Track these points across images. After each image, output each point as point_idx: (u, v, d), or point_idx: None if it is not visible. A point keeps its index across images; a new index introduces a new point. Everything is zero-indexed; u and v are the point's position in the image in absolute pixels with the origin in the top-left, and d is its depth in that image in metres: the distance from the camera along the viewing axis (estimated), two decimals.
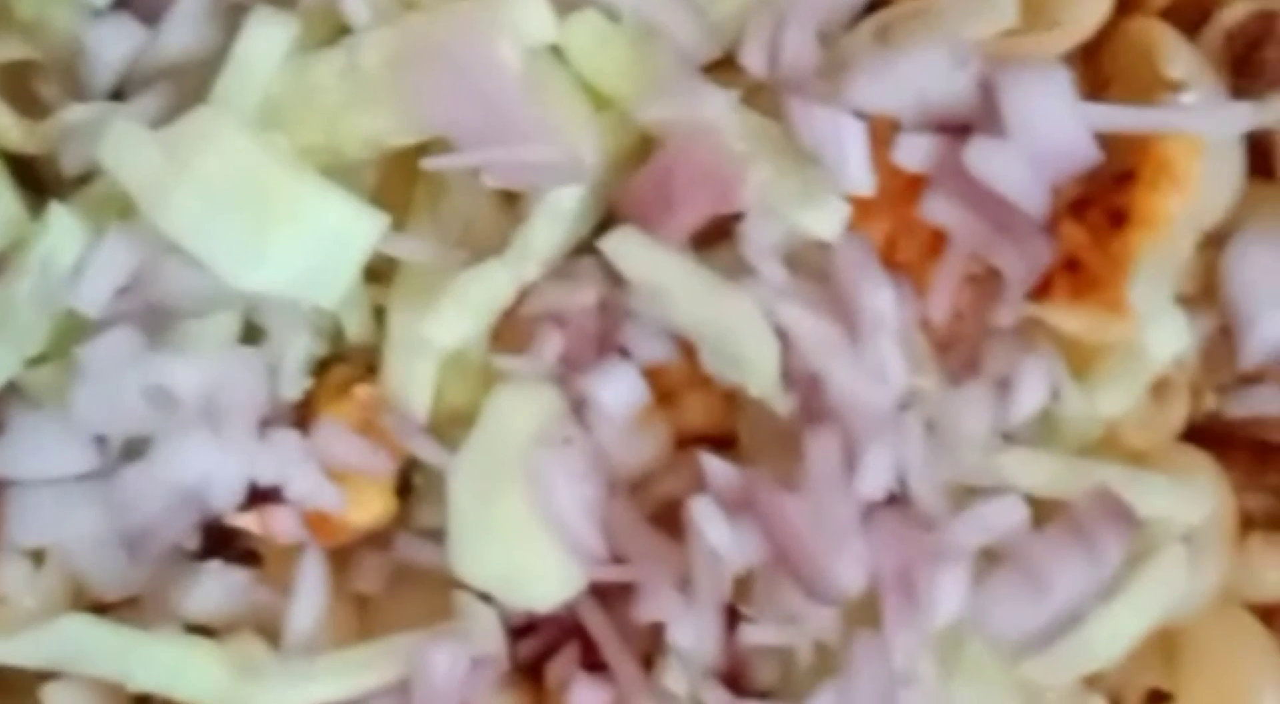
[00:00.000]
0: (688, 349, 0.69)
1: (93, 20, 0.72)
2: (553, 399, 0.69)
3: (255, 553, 0.74)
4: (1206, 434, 0.73)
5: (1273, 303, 0.70)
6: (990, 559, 0.69)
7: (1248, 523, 0.74)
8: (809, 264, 0.68)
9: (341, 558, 0.73)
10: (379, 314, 0.72)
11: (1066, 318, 0.68)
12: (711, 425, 0.71)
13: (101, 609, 0.73)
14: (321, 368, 0.72)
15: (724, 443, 0.71)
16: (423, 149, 0.68)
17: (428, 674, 0.70)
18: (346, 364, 0.73)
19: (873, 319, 0.67)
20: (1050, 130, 0.66)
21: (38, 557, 0.73)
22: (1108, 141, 0.66)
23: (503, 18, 0.66)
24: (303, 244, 0.66)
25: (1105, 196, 0.68)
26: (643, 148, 0.69)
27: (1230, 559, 0.73)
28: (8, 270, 0.70)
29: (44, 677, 0.72)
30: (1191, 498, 0.71)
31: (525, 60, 0.67)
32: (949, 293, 0.68)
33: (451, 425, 0.71)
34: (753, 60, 0.68)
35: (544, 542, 0.69)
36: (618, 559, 0.70)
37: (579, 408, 0.70)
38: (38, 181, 0.73)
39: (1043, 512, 0.69)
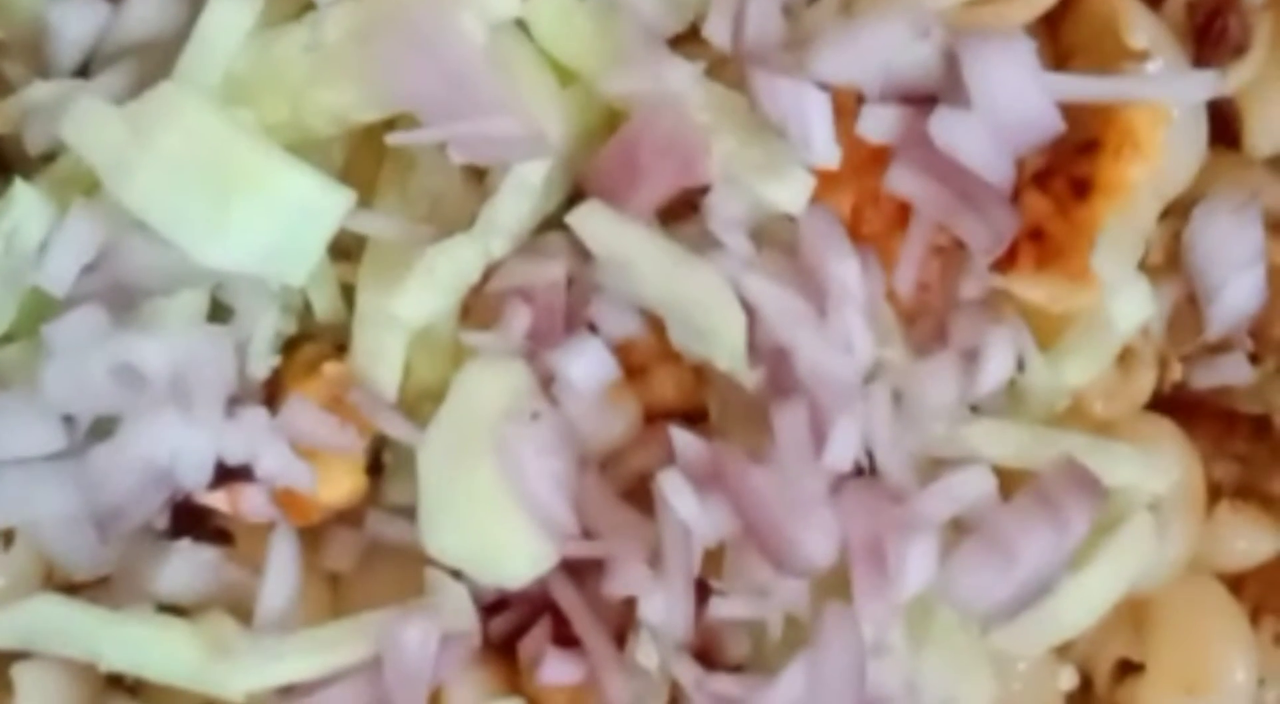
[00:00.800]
0: (656, 324, 0.70)
1: None
2: (522, 375, 0.69)
3: (226, 532, 0.74)
4: (1173, 404, 0.74)
5: (1237, 271, 0.71)
6: (958, 530, 0.69)
7: (1215, 492, 0.75)
8: (775, 237, 0.69)
9: (312, 536, 0.73)
10: (347, 292, 0.72)
11: (1031, 288, 0.68)
12: (681, 400, 0.71)
13: (72, 589, 0.73)
14: (290, 346, 0.72)
15: (693, 417, 0.71)
16: (390, 125, 0.68)
17: (399, 651, 0.69)
18: (315, 342, 0.73)
19: (839, 291, 0.67)
20: (1013, 100, 0.66)
21: (7, 537, 0.73)
22: (1071, 112, 0.67)
23: None
24: (268, 220, 0.66)
25: (1069, 166, 0.68)
26: (609, 122, 0.69)
27: (1198, 528, 0.74)
28: None
29: (15, 656, 0.72)
30: (1158, 467, 0.71)
31: (490, 35, 0.67)
32: (915, 264, 0.68)
33: (421, 402, 0.71)
34: (717, 33, 0.68)
35: (514, 518, 0.69)
36: (588, 534, 0.70)
37: (548, 383, 0.70)
38: (2, 160, 0.73)
39: (1010, 482, 0.69)
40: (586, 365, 0.69)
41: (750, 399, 0.69)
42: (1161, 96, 0.68)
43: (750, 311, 0.68)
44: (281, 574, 0.72)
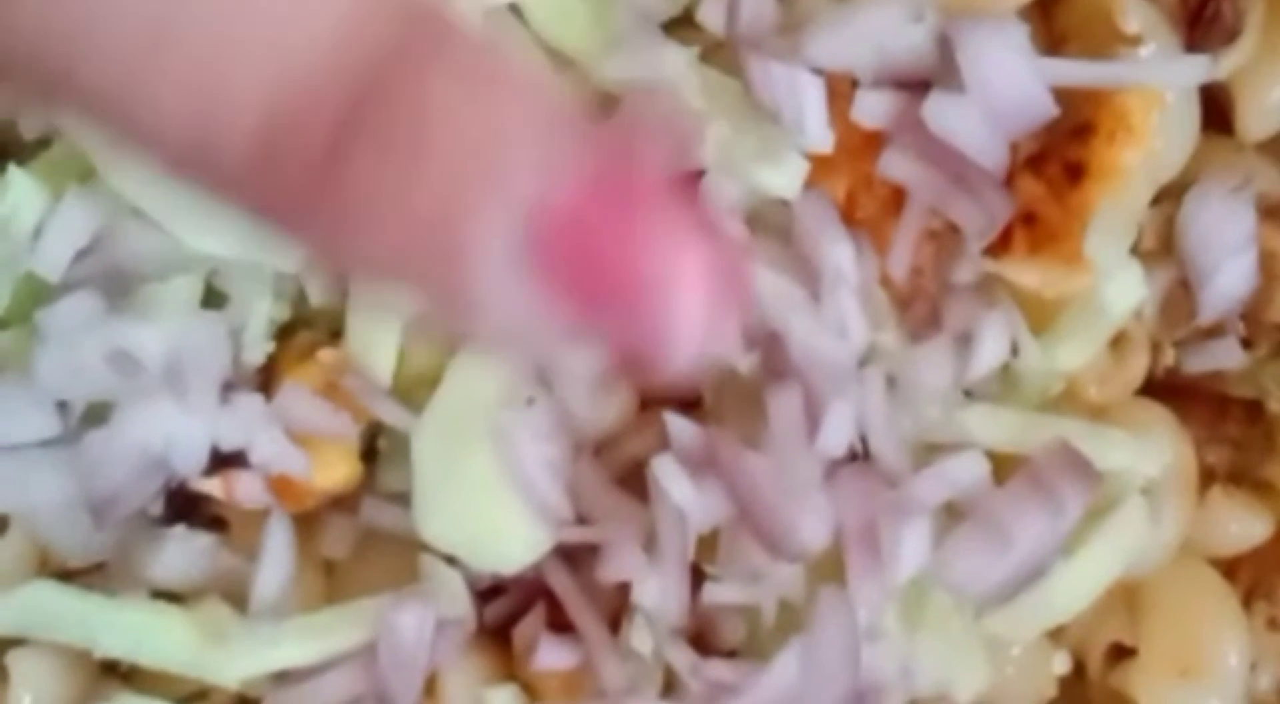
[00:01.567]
0: None
1: None
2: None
3: (220, 518, 0.74)
4: (1166, 388, 0.74)
5: (1229, 256, 0.71)
6: (952, 514, 0.70)
7: (1208, 476, 0.75)
8: (769, 222, 0.69)
9: (307, 523, 0.73)
10: (341, 278, 0.72)
11: (1025, 272, 0.68)
12: (675, 385, 0.72)
13: (67, 575, 0.73)
14: (284, 333, 0.72)
15: (688, 403, 0.71)
16: None
17: (394, 637, 0.69)
18: (310, 329, 0.73)
19: (833, 276, 0.68)
20: (1007, 85, 0.66)
21: (1, 524, 0.73)
22: (1064, 96, 0.67)
23: None
24: None
25: (1062, 151, 0.68)
26: (604, 108, 0.69)
27: (1191, 512, 0.74)
28: None
29: (10, 643, 0.72)
30: (1151, 451, 0.71)
31: (484, 20, 0.67)
32: (909, 249, 0.69)
33: (416, 388, 0.71)
34: (711, 18, 0.68)
35: (509, 503, 0.69)
36: (582, 520, 0.70)
37: (543, 369, 0.70)
38: None
39: (1003, 467, 0.70)
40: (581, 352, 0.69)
41: (744, 384, 0.69)
42: (1155, 81, 0.68)
43: None
44: (276, 560, 0.72)
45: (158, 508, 0.72)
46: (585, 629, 0.70)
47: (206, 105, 0.44)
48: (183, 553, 0.72)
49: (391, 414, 0.70)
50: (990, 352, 0.69)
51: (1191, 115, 0.71)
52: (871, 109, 0.68)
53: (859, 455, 0.69)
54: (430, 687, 0.71)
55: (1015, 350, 0.70)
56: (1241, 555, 0.76)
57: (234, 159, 0.44)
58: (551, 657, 0.70)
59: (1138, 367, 0.72)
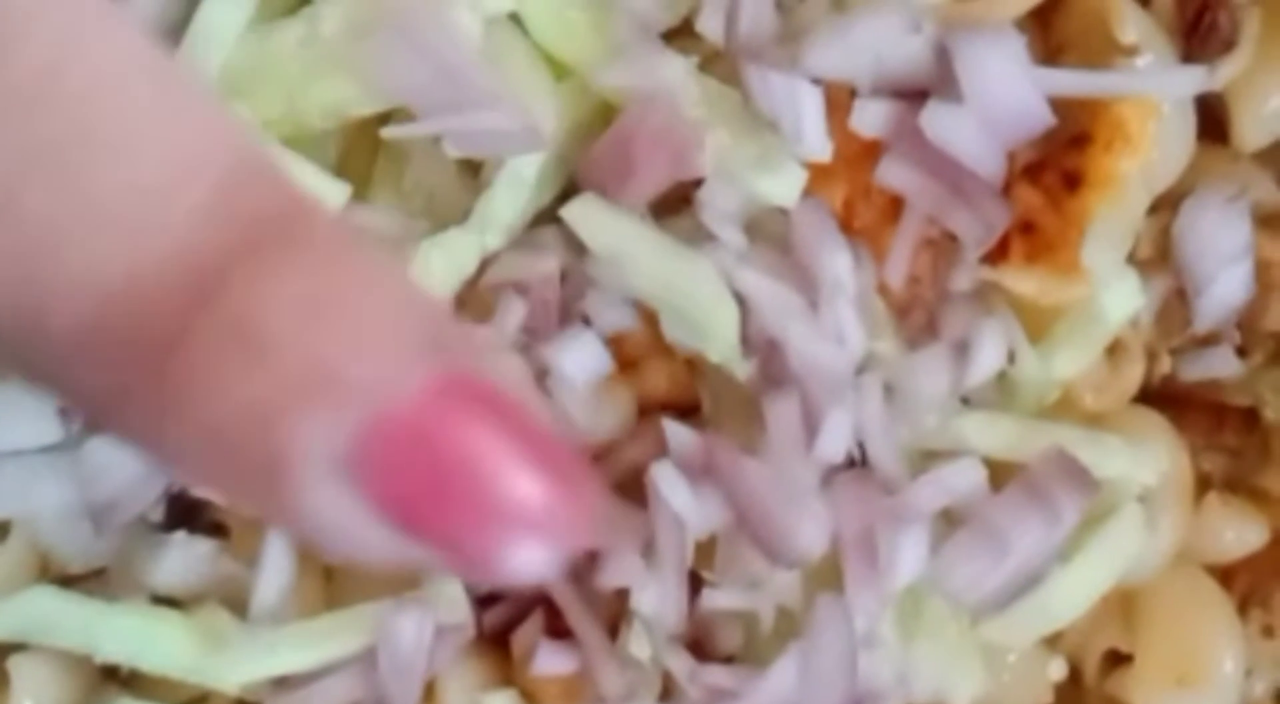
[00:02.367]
0: (649, 317, 0.70)
1: None
2: (516, 368, 0.70)
3: (221, 524, 0.74)
4: (1162, 396, 0.74)
5: (1225, 265, 0.71)
6: (949, 521, 0.70)
7: (1204, 484, 0.75)
8: (768, 230, 0.69)
9: None
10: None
11: (1022, 280, 0.68)
12: (673, 393, 0.72)
13: (67, 581, 0.73)
14: None
15: (686, 410, 0.72)
16: (384, 119, 0.69)
17: (394, 643, 0.70)
18: None
19: (831, 284, 0.68)
20: (1004, 94, 0.66)
21: (2, 529, 0.73)
22: (1062, 106, 0.67)
23: None
24: None
25: (1059, 160, 0.68)
26: (603, 116, 0.69)
27: (1187, 520, 0.74)
28: None
29: (10, 648, 0.72)
30: (1148, 459, 0.71)
31: (484, 29, 0.67)
32: (906, 257, 0.69)
33: None
34: (710, 27, 0.68)
35: None
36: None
37: (542, 376, 0.70)
38: None
39: (1000, 474, 0.70)
40: (580, 358, 0.70)
41: (742, 391, 0.70)
42: (1152, 90, 0.68)
43: (743, 304, 0.68)
44: (276, 567, 0.72)
45: (158, 514, 0.72)
46: (584, 635, 0.70)
47: (37, 281, 0.43)
48: (183, 559, 0.72)
49: None
50: (987, 359, 0.70)
51: (1188, 125, 0.71)
52: (870, 118, 0.68)
53: (856, 463, 0.69)
54: (429, 692, 0.71)
55: (1012, 358, 0.70)
56: (1237, 563, 0.76)
57: (60, 341, 0.43)
58: (550, 663, 0.70)
59: (1134, 375, 0.73)
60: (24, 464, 0.71)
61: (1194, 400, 0.75)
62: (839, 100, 0.68)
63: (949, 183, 0.68)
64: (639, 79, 0.67)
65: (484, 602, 0.72)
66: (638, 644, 0.70)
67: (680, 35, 0.69)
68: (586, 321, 0.70)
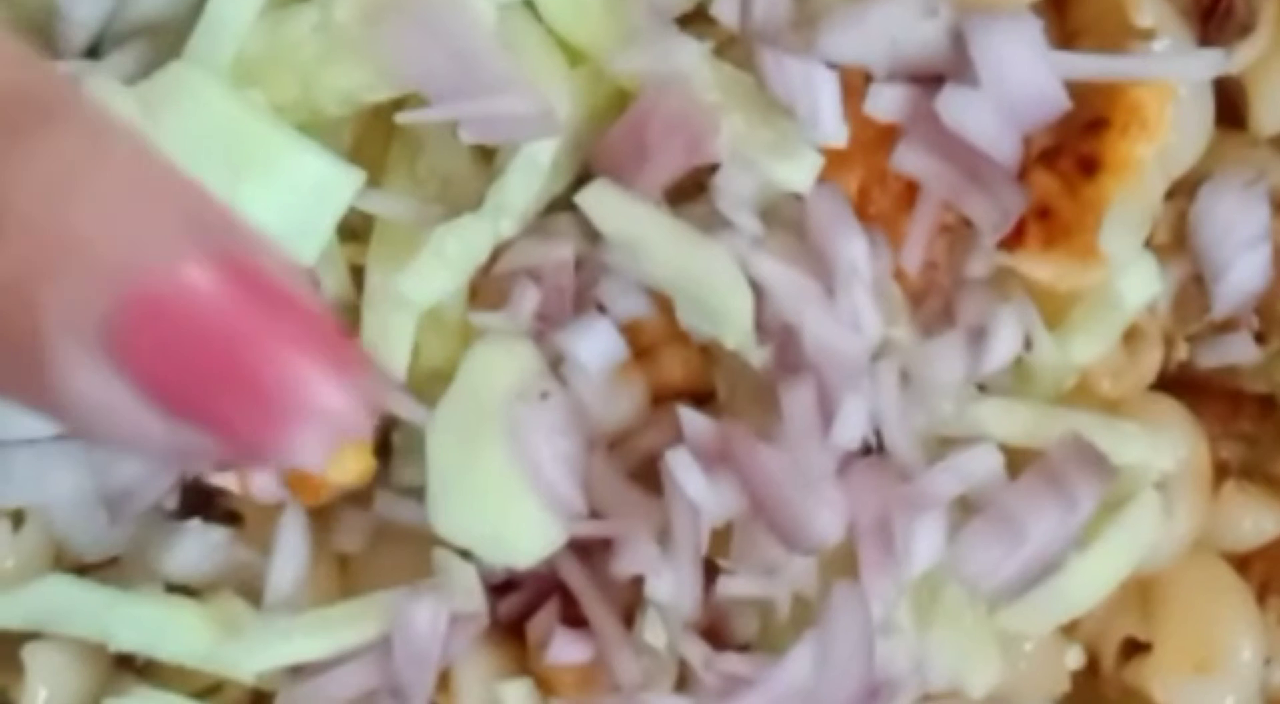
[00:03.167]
0: (664, 304, 0.70)
1: None
2: (530, 355, 0.70)
3: (235, 513, 0.74)
4: (1179, 383, 0.74)
5: (1243, 250, 0.71)
6: (966, 508, 0.70)
7: (1222, 471, 0.75)
8: (783, 216, 0.69)
9: (322, 517, 0.73)
10: (356, 273, 0.72)
11: (1039, 266, 0.68)
12: (689, 380, 0.72)
13: (82, 570, 0.73)
14: None
15: (701, 397, 0.71)
16: (399, 105, 0.69)
17: (409, 631, 0.70)
18: None
19: (847, 270, 0.68)
20: (1021, 79, 0.66)
21: (17, 518, 0.73)
22: (1078, 90, 0.67)
23: None
24: (279, 200, 0.66)
25: (1076, 144, 0.68)
26: (618, 102, 0.69)
27: (1205, 507, 0.74)
28: None
29: (26, 637, 0.72)
30: (1165, 445, 0.71)
31: (499, 15, 0.67)
32: (922, 243, 0.69)
33: (430, 383, 0.71)
34: (725, 12, 0.68)
35: (524, 498, 0.69)
36: (597, 514, 0.70)
37: (557, 364, 0.70)
38: None
39: (1017, 460, 0.70)
40: (595, 346, 0.70)
41: (758, 378, 0.69)
42: (1168, 74, 0.68)
43: (758, 290, 0.68)
44: (291, 554, 0.72)
45: (173, 502, 0.72)
46: (599, 623, 0.70)
47: None
48: (197, 547, 0.73)
49: (406, 408, 0.70)
50: (1004, 345, 0.69)
51: (1205, 109, 0.71)
52: (885, 103, 0.68)
53: (873, 449, 0.69)
54: (444, 681, 0.71)
55: (1029, 344, 0.70)
56: (1255, 551, 0.76)
57: None
58: (565, 651, 0.70)
59: (1151, 361, 0.72)
60: (38, 452, 0.71)
61: (1211, 387, 0.75)
62: (854, 85, 0.67)
63: (965, 168, 0.67)
64: (654, 64, 0.67)
65: (499, 590, 0.72)
66: (653, 632, 0.70)
67: (695, 20, 0.69)
68: (601, 309, 0.70)
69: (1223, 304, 0.72)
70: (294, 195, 0.67)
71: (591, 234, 0.69)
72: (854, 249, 0.68)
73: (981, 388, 0.71)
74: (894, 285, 0.69)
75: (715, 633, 0.71)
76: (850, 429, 0.67)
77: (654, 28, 0.68)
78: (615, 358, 0.70)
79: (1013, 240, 0.68)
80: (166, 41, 0.69)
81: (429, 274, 0.69)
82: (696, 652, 0.70)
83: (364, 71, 0.68)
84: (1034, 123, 0.67)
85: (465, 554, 0.70)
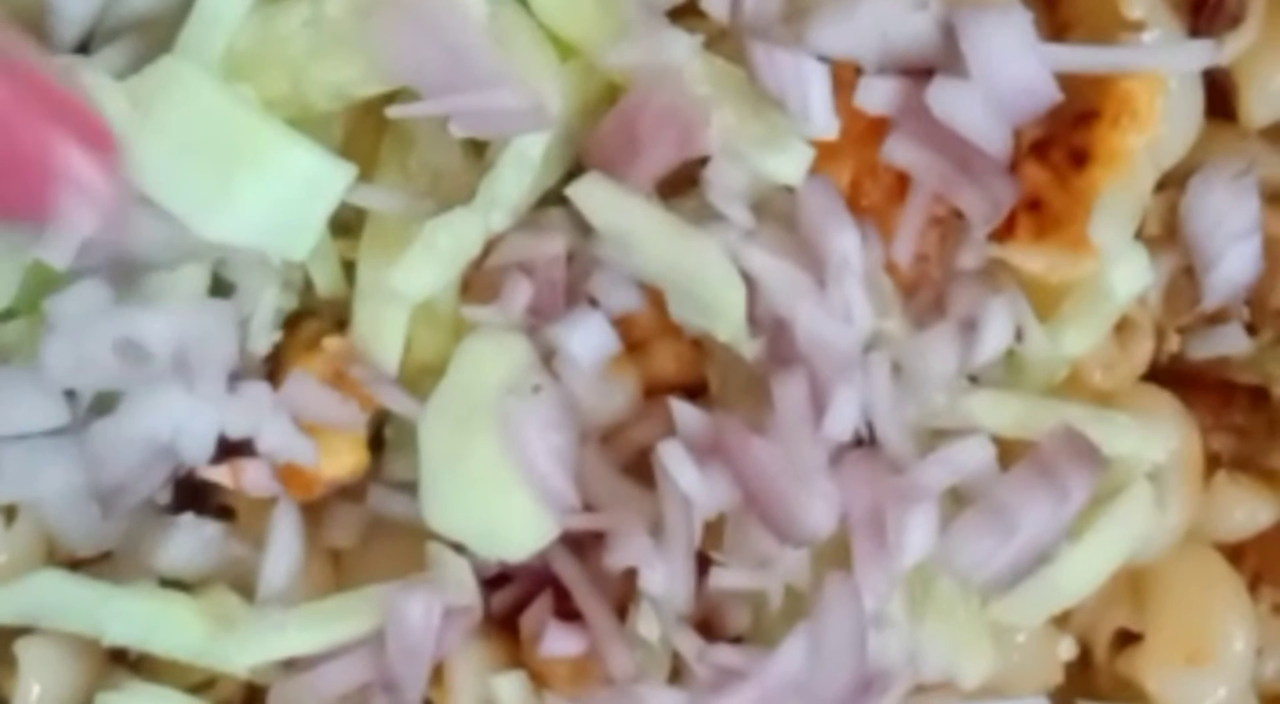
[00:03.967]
0: (656, 298, 0.70)
1: None
2: (522, 348, 0.70)
3: (228, 507, 0.74)
4: (1170, 375, 0.74)
5: (1234, 242, 0.71)
6: (958, 500, 0.70)
7: (1213, 462, 0.75)
8: (775, 209, 0.69)
9: (314, 511, 0.73)
10: (348, 268, 0.72)
11: (1030, 257, 0.68)
12: (681, 373, 0.72)
13: (75, 565, 0.73)
14: (291, 322, 0.72)
15: (693, 391, 0.71)
16: (389, 99, 0.69)
17: (402, 625, 0.70)
18: (316, 318, 0.73)
19: (838, 262, 0.68)
20: (1011, 71, 0.66)
21: (9, 513, 0.73)
22: (1068, 82, 0.67)
23: None
24: (270, 194, 0.67)
25: (1066, 136, 0.68)
26: (609, 96, 0.69)
27: (1196, 498, 0.74)
28: None
29: (19, 632, 0.72)
30: (1156, 436, 0.71)
31: (489, 8, 0.67)
32: (913, 235, 0.69)
33: (422, 377, 0.71)
34: (716, 6, 0.68)
35: (516, 491, 0.69)
36: (589, 508, 0.70)
37: (549, 357, 0.70)
38: None
39: (1009, 452, 0.70)
40: (587, 339, 0.70)
41: (750, 371, 0.69)
42: (1158, 66, 0.68)
43: (750, 283, 0.68)
44: (283, 549, 0.72)
45: (165, 497, 0.72)
46: (592, 616, 0.70)
47: None
48: (190, 541, 0.73)
49: (398, 403, 0.71)
50: (995, 337, 0.69)
51: (1195, 101, 0.71)
52: (876, 96, 0.68)
53: (865, 441, 0.69)
54: (437, 674, 0.71)
55: (1020, 336, 0.70)
56: (1247, 541, 0.76)
57: None
58: (559, 644, 0.70)
59: (1143, 352, 0.73)
60: (30, 448, 0.71)
61: (1202, 379, 0.75)
62: (845, 78, 0.68)
63: (956, 160, 0.67)
64: (645, 58, 0.67)
65: (492, 583, 0.72)
66: (646, 625, 0.70)
67: (686, 14, 0.69)
68: (593, 302, 0.70)
69: (1214, 295, 0.72)
70: (285, 190, 0.67)
71: (583, 228, 0.69)
72: (845, 241, 0.68)
73: (973, 379, 0.71)
74: (885, 277, 0.69)
75: (708, 625, 0.71)
76: (842, 421, 0.68)
77: (645, 21, 0.68)
78: (607, 351, 0.70)
79: (1004, 232, 0.68)
80: (157, 36, 0.69)
81: (421, 268, 0.69)
82: (690, 644, 0.70)
83: (355, 66, 0.68)
84: (1024, 115, 0.67)
85: (458, 548, 0.70)
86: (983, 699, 0.72)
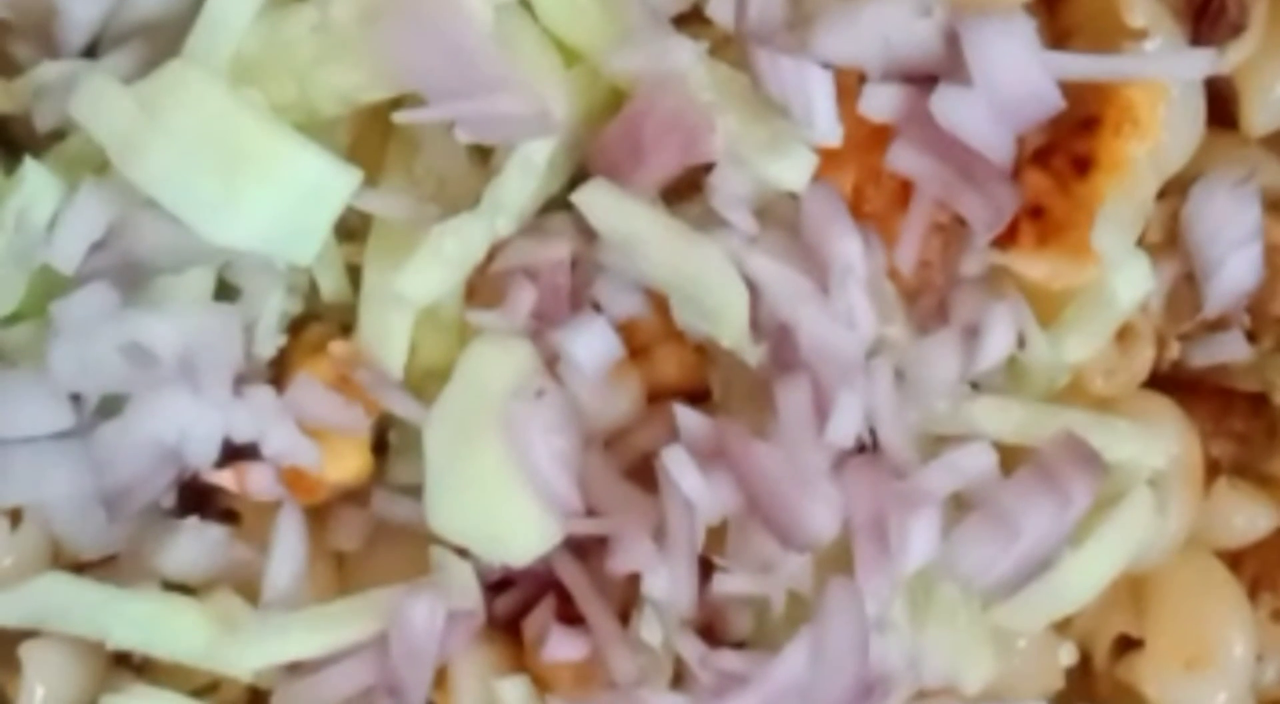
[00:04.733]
0: (660, 304, 0.70)
1: None
2: (527, 353, 0.70)
3: (233, 511, 0.74)
4: (1171, 382, 0.75)
5: (1235, 249, 0.71)
6: (960, 506, 0.70)
7: (1213, 469, 0.75)
8: (778, 215, 0.69)
9: (319, 515, 0.74)
10: (353, 273, 0.72)
11: (1032, 264, 0.68)
12: (684, 378, 0.72)
13: (80, 568, 0.73)
14: (296, 326, 0.73)
15: (697, 396, 0.72)
16: (395, 104, 0.69)
17: (406, 628, 0.70)
18: (321, 322, 0.73)
19: (841, 268, 0.68)
20: (1014, 78, 0.67)
21: (15, 516, 0.73)
22: (1071, 89, 0.67)
23: None
24: (276, 198, 0.67)
25: (1069, 143, 0.69)
26: (614, 102, 0.69)
27: (1197, 505, 0.74)
28: None
29: (23, 635, 0.72)
30: (1157, 443, 0.72)
31: (495, 15, 0.67)
32: (916, 242, 0.69)
33: (426, 381, 0.71)
34: (720, 12, 0.68)
35: (520, 496, 0.69)
36: (592, 512, 0.70)
37: (553, 362, 0.70)
38: (12, 139, 0.73)
39: (1011, 458, 0.70)
40: (591, 344, 0.70)
41: (753, 376, 0.70)
42: (1160, 73, 0.68)
43: (753, 289, 0.68)
44: (288, 552, 0.72)
45: (170, 500, 0.73)
46: (595, 621, 0.71)
47: None
48: (195, 545, 0.73)
49: (403, 407, 0.71)
50: (997, 343, 0.70)
51: (1197, 109, 0.72)
52: (879, 103, 0.68)
53: (867, 447, 0.69)
54: (440, 678, 0.71)
55: (1022, 342, 0.70)
56: (1246, 548, 0.76)
57: None
58: (561, 648, 0.71)
59: (1144, 359, 0.73)
60: (36, 451, 0.71)
61: (1203, 386, 0.75)
62: (848, 85, 0.68)
63: (959, 167, 0.68)
64: (649, 64, 0.68)
65: (495, 588, 0.72)
66: (649, 629, 0.70)
67: (690, 20, 0.70)
68: (597, 307, 0.70)
69: (1214, 302, 0.72)
70: (291, 194, 0.67)
71: (587, 233, 0.70)
72: (849, 247, 0.68)
73: (975, 386, 0.71)
74: (888, 284, 0.69)
75: (711, 630, 0.71)
76: (845, 427, 0.68)
77: (649, 28, 0.68)
78: (611, 356, 0.70)
79: (1006, 239, 0.69)
80: (165, 41, 0.69)
81: (426, 273, 0.69)
82: (692, 649, 0.70)
83: (361, 71, 0.68)
84: (1027, 122, 0.67)
85: (462, 552, 0.71)
86: None
